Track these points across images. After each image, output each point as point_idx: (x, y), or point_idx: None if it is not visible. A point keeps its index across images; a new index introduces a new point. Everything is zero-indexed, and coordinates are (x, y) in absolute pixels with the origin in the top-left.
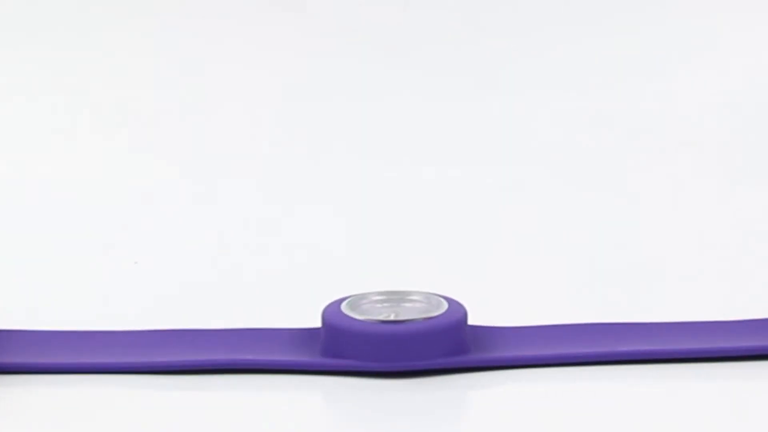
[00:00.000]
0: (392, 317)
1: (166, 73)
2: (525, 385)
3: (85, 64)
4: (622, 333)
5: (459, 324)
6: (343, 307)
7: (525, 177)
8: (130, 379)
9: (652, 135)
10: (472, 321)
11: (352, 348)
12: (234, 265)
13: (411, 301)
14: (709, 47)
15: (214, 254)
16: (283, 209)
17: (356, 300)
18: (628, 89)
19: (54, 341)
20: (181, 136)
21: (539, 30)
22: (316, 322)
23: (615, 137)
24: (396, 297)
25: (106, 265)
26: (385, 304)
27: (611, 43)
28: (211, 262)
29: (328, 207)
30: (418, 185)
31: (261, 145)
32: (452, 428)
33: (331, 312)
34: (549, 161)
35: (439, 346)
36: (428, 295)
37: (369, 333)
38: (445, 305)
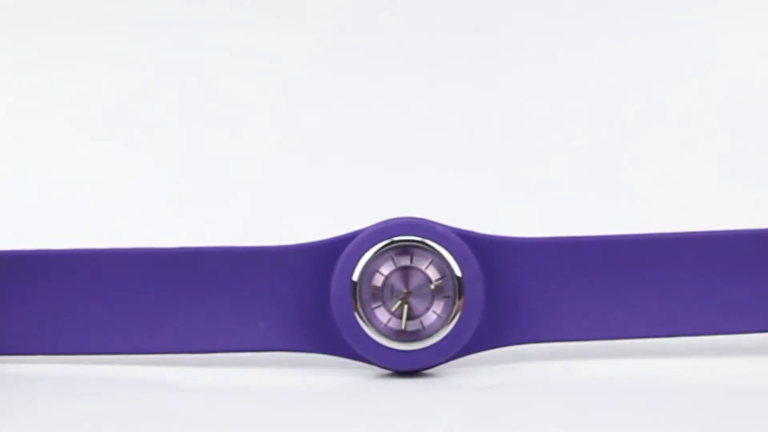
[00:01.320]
0: (403, 322)
1: (166, 73)
2: (527, 383)
3: (85, 64)
4: (630, 250)
5: (468, 337)
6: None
7: (525, 177)
8: (122, 367)
9: (652, 135)
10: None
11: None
12: None
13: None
14: (709, 47)
15: None
16: (283, 211)
17: (368, 276)
18: (628, 89)
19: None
20: (180, 136)
21: (539, 30)
22: None
23: (615, 137)
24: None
25: None
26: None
27: (611, 44)
28: None
29: (328, 210)
30: (417, 185)
31: (260, 145)
32: (452, 427)
33: (342, 309)
34: (549, 161)
35: (449, 353)
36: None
37: (378, 353)
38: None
